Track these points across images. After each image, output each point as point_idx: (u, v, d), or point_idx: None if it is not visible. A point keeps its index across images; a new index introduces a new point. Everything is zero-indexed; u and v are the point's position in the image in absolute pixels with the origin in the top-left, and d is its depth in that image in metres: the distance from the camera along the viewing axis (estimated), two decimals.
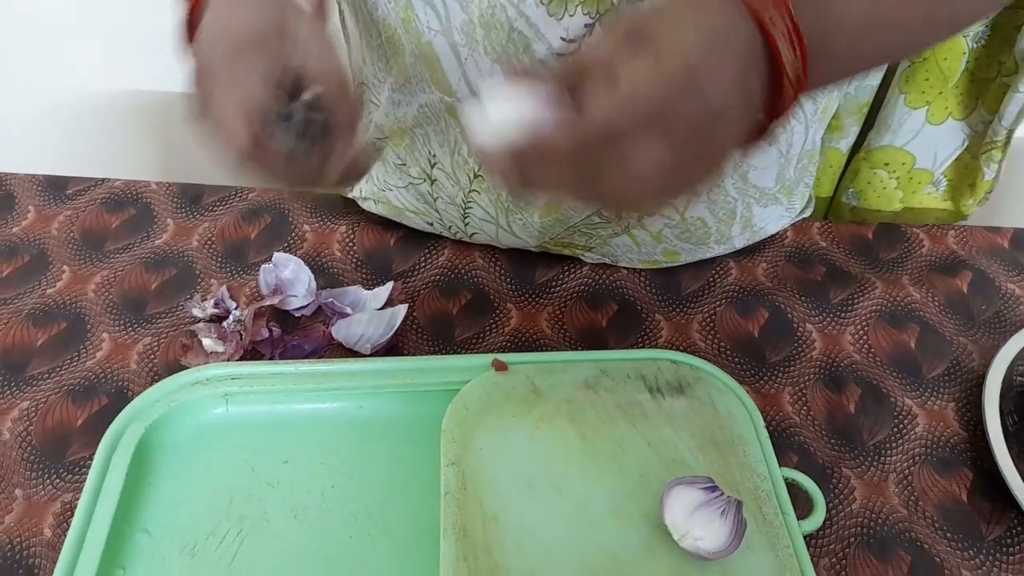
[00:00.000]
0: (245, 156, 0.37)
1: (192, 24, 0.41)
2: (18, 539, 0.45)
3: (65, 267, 0.61)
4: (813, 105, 0.55)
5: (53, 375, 0.53)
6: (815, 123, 0.57)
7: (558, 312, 0.59)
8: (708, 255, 0.62)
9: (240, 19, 0.39)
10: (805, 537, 0.44)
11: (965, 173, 0.69)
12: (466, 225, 0.60)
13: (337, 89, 0.38)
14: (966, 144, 0.68)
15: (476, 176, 0.53)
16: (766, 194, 0.60)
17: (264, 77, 0.37)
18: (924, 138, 0.67)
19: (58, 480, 0.48)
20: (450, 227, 0.61)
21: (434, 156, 0.52)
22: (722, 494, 0.42)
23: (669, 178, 0.32)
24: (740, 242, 0.63)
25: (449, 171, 0.53)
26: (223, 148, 0.37)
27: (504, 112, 0.33)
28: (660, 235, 0.60)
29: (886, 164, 0.69)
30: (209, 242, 0.63)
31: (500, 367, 0.49)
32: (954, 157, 0.69)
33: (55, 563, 0.41)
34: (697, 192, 0.36)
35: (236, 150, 0.37)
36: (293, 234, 0.64)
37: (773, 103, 0.34)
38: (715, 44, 0.31)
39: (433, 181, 0.57)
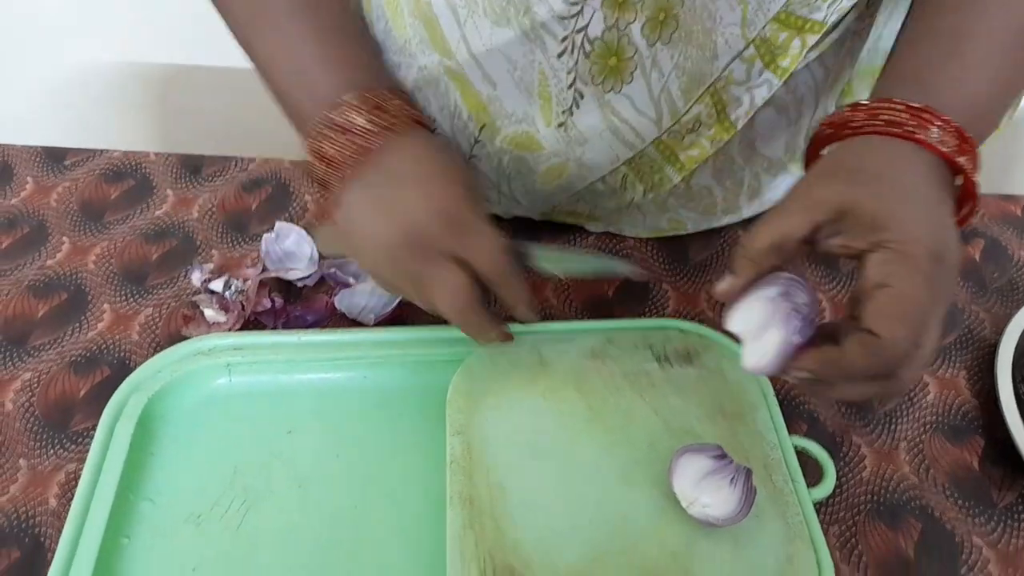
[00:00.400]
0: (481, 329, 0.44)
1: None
2: (23, 508, 0.45)
3: (65, 238, 0.60)
4: (824, 72, 0.54)
5: (55, 346, 0.53)
6: (826, 91, 0.56)
7: (564, 282, 0.59)
8: (715, 225, 0.61)
9: (450, 162, 0.44)
10: (815, 505, 0.44)
11: None
12: None
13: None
14: None
15: (476, 141, 0.52)
16: (775, 163, 0.59)
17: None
18: None
19: (62, 450, 0.47)
20: None
21: (434, 120, 0.51)
22: (731, 462, 0.42)
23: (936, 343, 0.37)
24: (748, 212, 0.62)
25: (449, 136, 0.52)
26: (480, 272, 0.42)
27: (761, 357, 0.37)
28: (666, 204, 0.59)
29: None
30: (210, 213, 0.62)
31: (506, 337, 0.48)
32: None
33: (60, 532, 0.41)
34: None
35: (502, 277, 0.42)
36: (295, 204, 0.63)
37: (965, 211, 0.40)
38: (934, 216, 0.37)
39: None
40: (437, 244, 0.41)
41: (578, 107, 0.49)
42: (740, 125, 0.51)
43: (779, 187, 0.61)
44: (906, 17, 0.46)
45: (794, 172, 0.61)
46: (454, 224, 0.41)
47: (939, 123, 0.38)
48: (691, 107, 0.49)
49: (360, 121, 0.42)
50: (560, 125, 0.50)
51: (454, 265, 0.41)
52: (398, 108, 0.43)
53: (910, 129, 0.39)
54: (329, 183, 0.43)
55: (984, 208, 0.65)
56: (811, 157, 0.45)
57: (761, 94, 0.49)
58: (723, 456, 0.42)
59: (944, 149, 0.38)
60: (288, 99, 0.45)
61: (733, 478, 0.41)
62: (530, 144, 0.52)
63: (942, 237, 0.36)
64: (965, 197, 0.40)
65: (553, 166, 0.53)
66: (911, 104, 0.39)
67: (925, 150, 0.38)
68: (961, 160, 0.38)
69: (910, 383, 0.37)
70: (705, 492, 0.41)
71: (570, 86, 0.49)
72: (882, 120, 0.39)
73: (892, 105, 0.39)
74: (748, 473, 0.42)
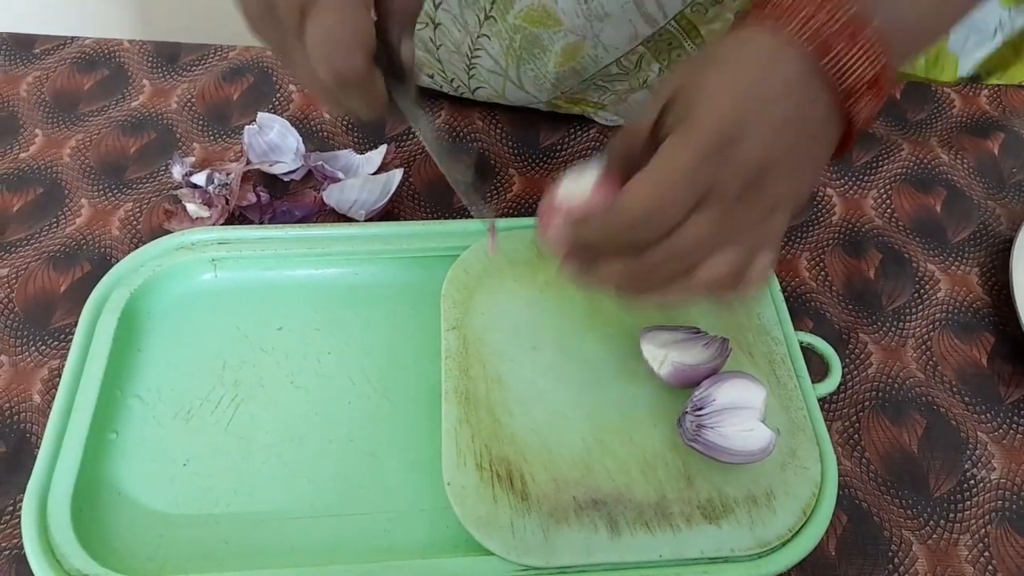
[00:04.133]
0: (355, 86, 0.32)
1: None
2: (7, 405, 0.44)
3: (38, 130, 0.57)
4: None
5: (32, 241, 0.51)
6: None
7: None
8: None
9: None
10: (819, 400, 0.43)
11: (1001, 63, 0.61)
12: (471, 78, 0.55)
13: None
14: (1008, 34, 0.59)
15: (487, 17, 0.48)
16: None
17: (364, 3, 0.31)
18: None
19: (43, 347, 0.46)
20: (452, 80, 0.56)
21: None
22: (706, 334, 0.41)
23: (730, 237, 0.31)
24: None
25: (456, 13, 0.48)
26: (322, 75, 0.31)
27: (569, 190, 0.34)
28: None
29: None
30: (189, 104, 0.59)
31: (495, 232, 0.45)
32: (991, 49, 0.60)
33: (46, 427, 0.40)
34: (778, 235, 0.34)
35: (344, 80, 0.31)
36: (278, 95, 0.59)
37: (855, 110, 0.31)
38: (756, 94, 0.30)
39: (437, 25, 0.52)
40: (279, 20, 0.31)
41: None
42: None
43: None
44: None
45: None
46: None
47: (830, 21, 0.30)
48: None
49: None
50: None
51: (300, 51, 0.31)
52: None
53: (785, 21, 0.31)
54: None
55: (1005, 100, 0.62)
56: None
57: None
58: (698, 332, 0.41)
59: (807, 46, 0.30)
60: None
61: (707, 343, 0.40)
62: (546, 20, 0.48)
63: (747, 126, 0.30)
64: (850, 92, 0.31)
65: (569, 44, 0.49)
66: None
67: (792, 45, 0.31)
68: (829, 65, 0.30)
69: (665, 275, 0.32)
70: (675, 351, 0.40)
71: None
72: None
73: None
74: (724, 341, 0.40)
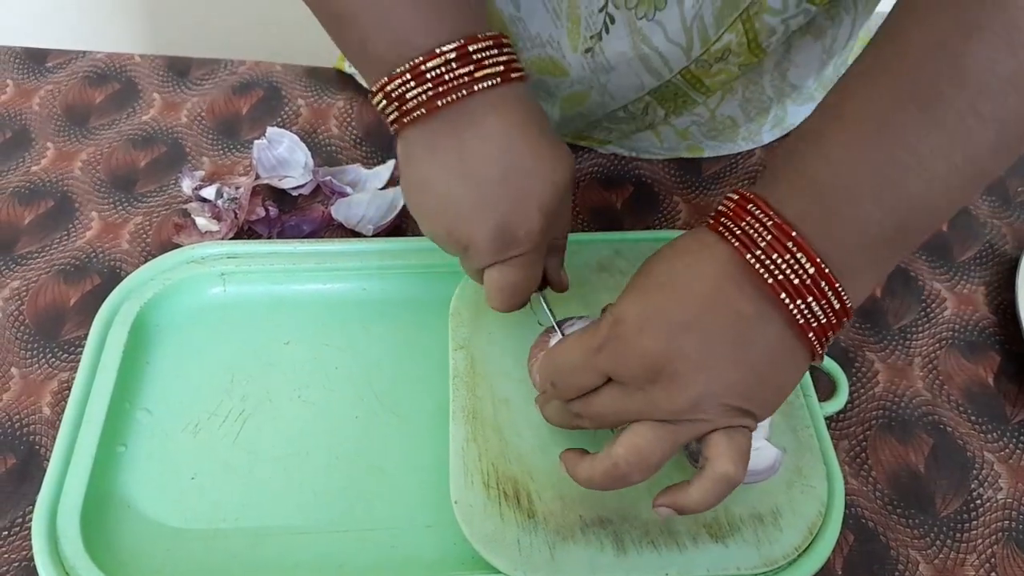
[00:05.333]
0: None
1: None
2: (17, 416, 0.44)
3: (49, 144, 0.57)
4: None
5: (43, 254, 0.51)
6: (863, 15, 0.51)
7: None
8: (735, 151, 0.59)
9: (546, 174, 0.36)
10: (826, 419, 0.43)
11: None
12: None
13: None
14: None
15: None
16: (803, 92, 0.56)
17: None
18: None
19: (53, 359, 0.46)
20: None
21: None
22: None
23: (644, 414, 0.33)
24: (768, 138, 0.59)
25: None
26: (491, 304, 0.39)
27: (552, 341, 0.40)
28: (687, 132, 0.56)
29: None
30: (199, 118, 0.59)
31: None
32: None
33: (55, 440, 0.40)
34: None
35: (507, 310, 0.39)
36: (287, 109, 0.60)
37: (804, 317, 0.30)
38: (660, 299, 0.32)
39: None
40: (477, 258, 0.37)
41: (607, 32, 0.46)
42: (771, 50, 0.47)
43: (801, 113, 0.58)
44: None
45: (818, 99, 0.57)
46: (502, 247, 0.36)
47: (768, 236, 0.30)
48: (722, 35, 0.46)
49: (452, 73, 0.34)
50: (587, 51, 0.47)
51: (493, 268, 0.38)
52: (495, 59, 0.35)
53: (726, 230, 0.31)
54: (395, 120, 0.35)
55: None
56: None
57: (797, 22, 0.46)
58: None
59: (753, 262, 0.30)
60: (367, 46, 0.35)
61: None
62: (553, 69, 0.49)
63: (647, 322, 0.31)
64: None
65: (575, 93, 0.50)
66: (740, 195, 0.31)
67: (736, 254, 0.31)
68: (753, 261, 0.30)
69: (588, 424, 0.35)
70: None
71: (601, 9, 0.46)
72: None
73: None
74: None
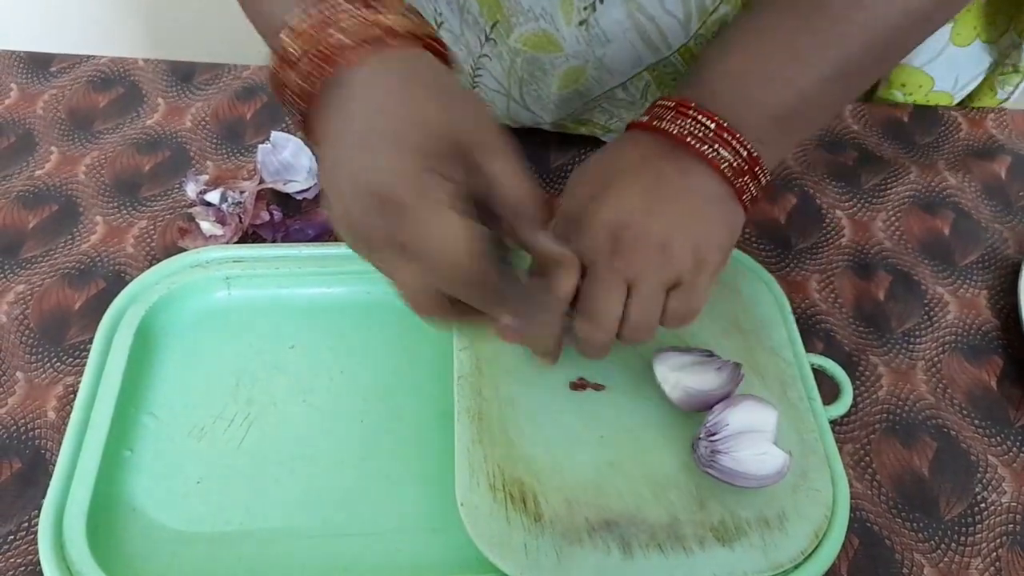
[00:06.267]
0: (477, 292, 0.34)
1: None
2: (23, 420, 0.44)
3: (53, 148, 0.57)
4: None
5: (47, 258, 0.51)
6: None
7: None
8: None
9: (417, 117, 0.32)
10: (830, 423, 0.43)
11: (977, 93, 0.64)
12: None
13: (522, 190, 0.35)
14: (992, 69, 0.62)
15: (488, 39, 0.48)
16: None
17: (462, 197, 0.33)
18: (946, 59, 0.61)
19: (58, 363, 0.46)
20: None
21: (440, 15, 0.47)
22: (718, 358, 0.41)
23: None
24: None
25: (457, 32, 0.48)
26: (432, 280, 0.33)
27: None
28: None
29: (903, 85, 0.63)
30: (203, 122, 0.59)
31: (578, 386, 0.45)
32: (977, 82, 0.63)
33: (60, 444, 0.40)
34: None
35: (461, 286, 0.33)
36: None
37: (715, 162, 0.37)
38: (615, 176, 0.37)
39: None
40: (374, 237, 0.33)
41: (602, 1, 0.45)
42: None
43: None
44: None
45: None
46: (392, 211, 0.32)
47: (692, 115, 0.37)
48: (719, 5, 0.46)
49: (333, 36, 0.32)
50: (581, 23, 0.46)
51: (403, 261, 0.33)
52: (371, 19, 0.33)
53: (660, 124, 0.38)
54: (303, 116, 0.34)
55: (1010, 124, 0.62)
56: None
57: None
58: (711, 355, 0.41)
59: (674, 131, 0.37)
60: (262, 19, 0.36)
61: (720, 367, 0.40)
62: (547, 44, 0.49)
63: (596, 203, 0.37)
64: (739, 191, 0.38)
65: (571, 69, 0.50)
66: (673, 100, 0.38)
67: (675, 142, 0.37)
68: (706, 150, 0.37)
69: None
70: (687, 375, 0.40)
71: None
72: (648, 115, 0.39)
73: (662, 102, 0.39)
74: (736, 366, 0.41)
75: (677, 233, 0.36)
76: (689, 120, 0.37)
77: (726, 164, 0.37)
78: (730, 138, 0.37)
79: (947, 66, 0.61)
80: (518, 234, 0.36)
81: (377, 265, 0.35)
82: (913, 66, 0.62)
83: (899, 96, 0.64)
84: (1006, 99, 0.63)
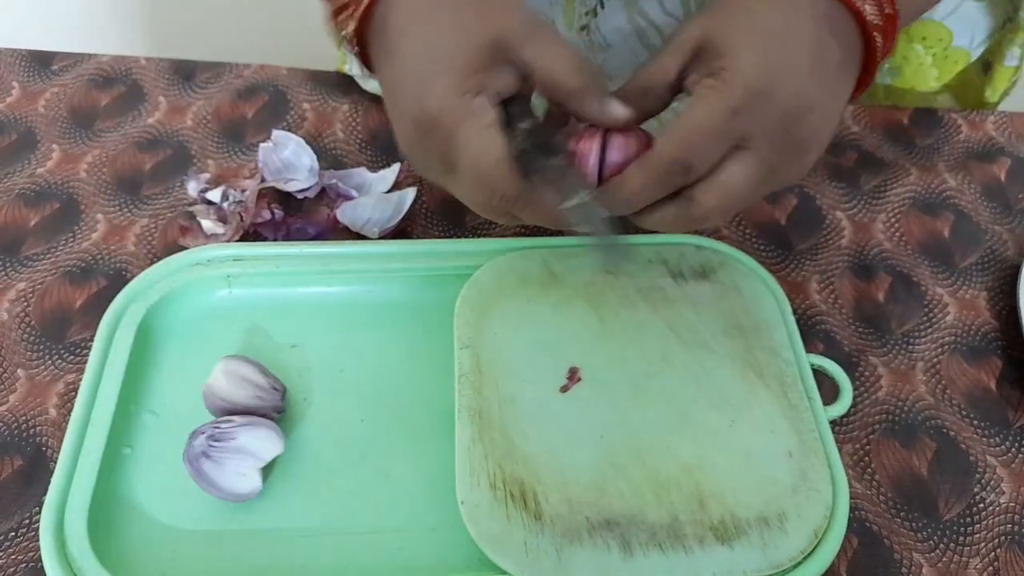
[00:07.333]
0: (514, 207, 0.36)
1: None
2: (24, 418, 0.44)
3: (55, 146, 0.57)
4: None
5: (48, 256, 0.51)
6: None
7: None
8: None
9: (454, 32, 0.34)
10: (830, 423, 0.43)
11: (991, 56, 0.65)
12: None
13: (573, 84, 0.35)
14: (1003, 25, 0.63)
15: None
16: None
17: (500, 120, 0.35)
18: (964, 13, 0.61)
19: (60, 361, 0.46)
20: None
21: None
22: (274, 382, 0.44)
23: (771, 176, 0.34)
24: None
25: None
26: (481, 202, 0.36)
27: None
28: None
29: (923, 39, 0.63)
30: (204, 121, 0.59)
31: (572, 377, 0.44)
32: (989, 41, 0.63)
33: (61, 441, 0.40)
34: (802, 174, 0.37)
35: (502, 204, 0.36)
36: (292, 113, 0.60)
37: (869, 54, 0.35)
38: (783, 42, 0.33)
39: None
40: (430, 160, 0.36)
41: (603, 7, 0.46)
42: None
43: None
44: None
45: None
46: (440, 138, 0.35)
47: None
48: None
49: None
50: (583, 28, 0.47)
51: (457, 179, 0.36)
52: None
53: None
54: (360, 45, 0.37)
55: (1010, 126, 0.63)
56: None
57: None
58: (266, 374, 0.44)
59: None
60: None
61: (262, 395, 0.42)
62: None
63: (777, 75, 0.33)
64: (868, 54, 0.36)
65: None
66: None
67: None
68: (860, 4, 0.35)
69: (709, 213, 0.35)
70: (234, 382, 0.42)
71: None
72: None
73: None
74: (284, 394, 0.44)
75: (813, 115, 0.34)
76: None
77: (873, 16, 0.35)
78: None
79: (964, 21, 0.62)
80: (585, 113, 0.36)
81: (438, 183, 0.38)
82: (934, 20, 0.62)
83: (920, 51, 0.64)
84: (1017, 66, 0.63)
